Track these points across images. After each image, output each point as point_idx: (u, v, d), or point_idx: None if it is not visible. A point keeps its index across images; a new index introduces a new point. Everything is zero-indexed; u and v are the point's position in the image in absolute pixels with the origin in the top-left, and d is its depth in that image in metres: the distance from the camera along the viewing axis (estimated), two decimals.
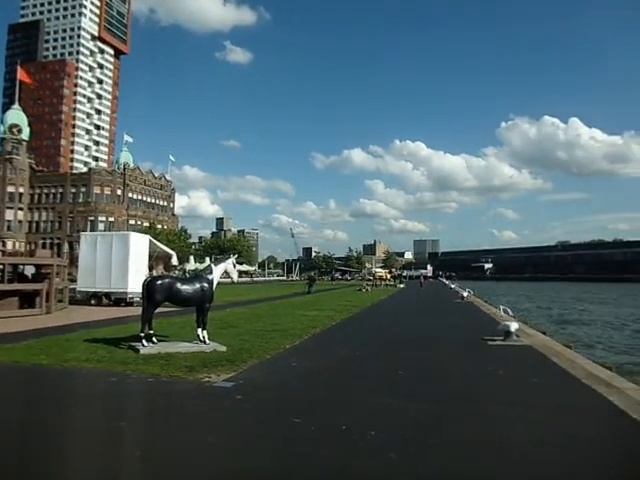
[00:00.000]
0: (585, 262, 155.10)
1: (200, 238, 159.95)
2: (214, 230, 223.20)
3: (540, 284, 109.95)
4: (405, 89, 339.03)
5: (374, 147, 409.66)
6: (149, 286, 10.21)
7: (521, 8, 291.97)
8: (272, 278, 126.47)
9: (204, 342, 10.43)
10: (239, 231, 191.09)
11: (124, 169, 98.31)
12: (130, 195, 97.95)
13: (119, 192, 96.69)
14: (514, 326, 12.29)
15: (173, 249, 32.65)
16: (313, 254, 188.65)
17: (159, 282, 10.34)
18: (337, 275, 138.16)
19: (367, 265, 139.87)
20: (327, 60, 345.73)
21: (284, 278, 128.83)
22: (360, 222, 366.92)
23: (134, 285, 19.54)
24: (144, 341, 9.99)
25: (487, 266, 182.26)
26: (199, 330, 10.58)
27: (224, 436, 5.06)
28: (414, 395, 6.84)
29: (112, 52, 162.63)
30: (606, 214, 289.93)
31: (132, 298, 20.91)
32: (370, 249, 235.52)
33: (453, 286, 51.64)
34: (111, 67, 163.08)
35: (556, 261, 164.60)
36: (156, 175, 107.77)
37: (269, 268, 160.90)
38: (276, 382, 7.66)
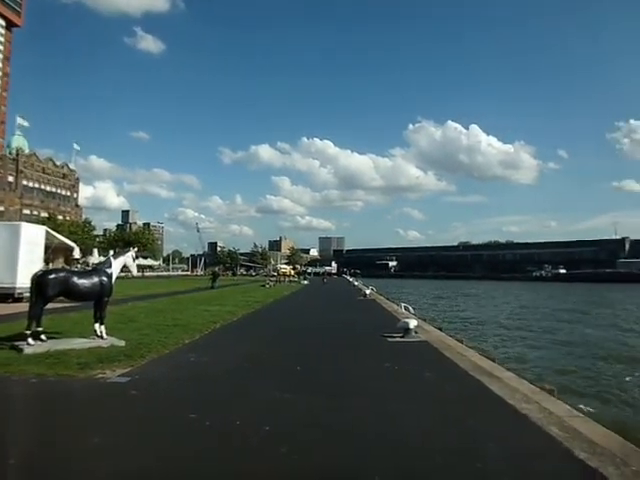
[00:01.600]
0: (483, 262, 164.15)
1: (105, 230, 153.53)
2: (120, 222, 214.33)
3: (442, 282, 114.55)
4: (314, 87, 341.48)
5: (282, 144, 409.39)
6: (39, 280, 9.63)
7: (432, 12, 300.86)
8: (177, 273, 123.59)
9: (101, 337, 10.08)
10: (145, 224, 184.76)
11: (17, 154, 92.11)
12: (25, 183, 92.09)
13: (10, 179, 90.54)
14: (413, 323, 12.66)
15: (75, 241, 31.23)
16: (218, 249, 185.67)
17: (52, 276, 9.78)
18: (242, 271, 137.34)
19: (272, 261, 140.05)
20: (239, 56, 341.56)
21: (189, 273, 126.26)
22: (266, 218, 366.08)
23: (24, 280, 18.24)
24: (30, 339, 9.31)
25: (392, 264, 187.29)
26: (96, 325, 10.21)
27: (112, 436, 4.85)
28: (310, 391, 6.93)
29: (3, 23, 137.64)
30: (501, 217, 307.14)
31: (21, 294, 19.57)
32: (275, 245, 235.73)
33: (356, 283, 52.53)
34: (1, 39, 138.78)
35: (457, 260, 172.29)
36: (58, 164, 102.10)
37: (174, 263, 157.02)
38: (173, 377, 7.55)
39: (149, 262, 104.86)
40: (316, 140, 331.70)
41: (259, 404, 6.14)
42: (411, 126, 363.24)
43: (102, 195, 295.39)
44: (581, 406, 8.69)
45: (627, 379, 15.04)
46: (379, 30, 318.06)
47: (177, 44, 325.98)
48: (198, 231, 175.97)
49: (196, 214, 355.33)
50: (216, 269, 63.19)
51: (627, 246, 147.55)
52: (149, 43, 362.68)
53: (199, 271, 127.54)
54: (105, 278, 10.24)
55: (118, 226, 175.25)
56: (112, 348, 9.49)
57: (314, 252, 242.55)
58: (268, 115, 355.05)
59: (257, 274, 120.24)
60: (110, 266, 10.52)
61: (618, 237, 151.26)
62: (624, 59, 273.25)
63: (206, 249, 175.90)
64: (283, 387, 7.01)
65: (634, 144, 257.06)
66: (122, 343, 9.94)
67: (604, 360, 18.06)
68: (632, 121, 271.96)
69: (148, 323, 13.81)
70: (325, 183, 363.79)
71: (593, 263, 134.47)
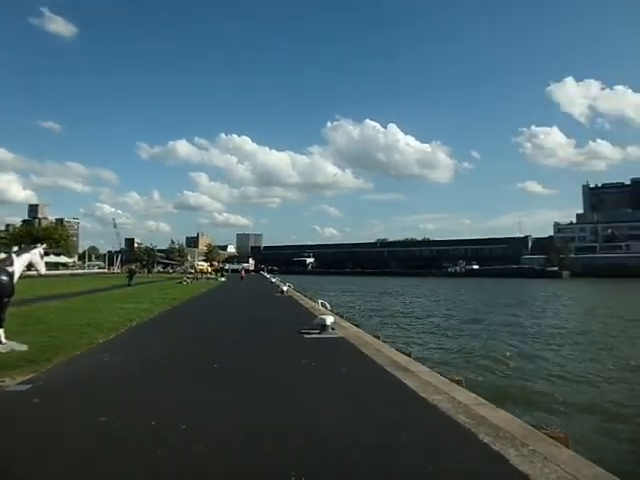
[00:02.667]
0: (399, 258, 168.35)
1: (7, 226, 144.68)
2: (26, 218, 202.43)
3: (359, 278, 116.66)
4: (232, 83, 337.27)
5: (200, 139, 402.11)
6: None
7: (353, 8, 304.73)
8: (93, 270, 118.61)
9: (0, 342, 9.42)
10: (57, 220, 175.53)
11: None
12: None
13: None
14: (330, 319, 12.79)
15: None
16: (135, 246, 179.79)
17: None
18: (159, 268, 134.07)
19: (189, 258, 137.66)
20: (156, 47, 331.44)
21: (105, 270, 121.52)
22: (184, 214, 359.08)
23: None
24: None
25: (309, 261, 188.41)
26: None
27: (6, 454, 4.41)
28: (228, 388, 6.89)
29: None
30: (417, 215, 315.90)
31: None
32: (193, 242, 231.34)
33: (274, 280, 52.54)
34: None
35: (375, 257, 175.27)
36: None
37: (90, 260, 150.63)
38: (83, 379, 7.28)
39: (63, 259, 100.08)
40: (234, 136, 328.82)
41: (175, 403, 6.04)
42: (329, 124, 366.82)
43: (4, 188, 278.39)
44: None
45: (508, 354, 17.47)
46: (298, 27, 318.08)
47: (91, 28, 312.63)
48: (115, 227, 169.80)
49: (113, 210, 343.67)
50: (133, 266, 61.27)
51: (530, 244, 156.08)
52: (59, 26, 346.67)
53: (115, 268, 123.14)
54: (5, 277, 9.50)
55: (24, 221, 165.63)
56: (12, 353, 8.90)
57: (232, 249, 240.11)
58: (186, 110, 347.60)
59: (174, 271, 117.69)
60: (12, 264, 9.80)
61: (522, 235, 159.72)
62: (525, 71, 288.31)
63: (123, 246, 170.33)
64: (200, 385, 6.93)
65: (535, 148, 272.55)
66: (24, 347, 9.38)
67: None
68: (533, 127, 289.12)
69: (58, 324, 13.24)
70: (243, 179, 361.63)
71: (502, 259, 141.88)
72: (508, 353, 18.15)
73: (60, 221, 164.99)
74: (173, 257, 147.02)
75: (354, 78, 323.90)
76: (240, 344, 11.22)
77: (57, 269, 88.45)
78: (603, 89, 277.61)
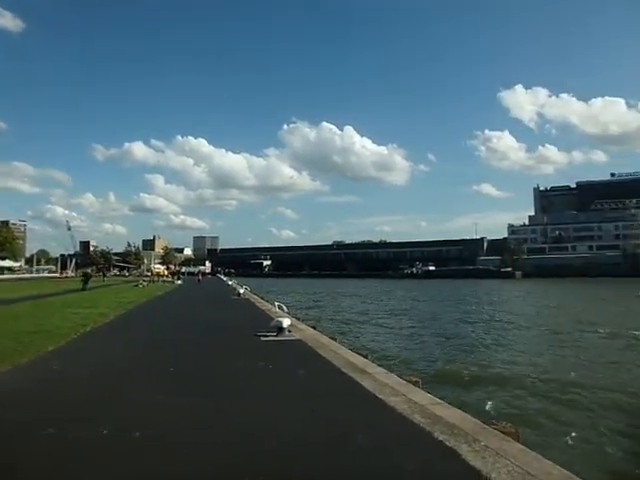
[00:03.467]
0: (356, 260, 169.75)
1: None
2: None
3: (316, 280, 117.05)
4: (187, 85, 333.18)
5: (156, 141, 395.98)
6: None
7: (308, 11, 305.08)
8: (43, 275, 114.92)
9: None
10: (2, 222, 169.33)
11: None
12: None
13: None
14: (286, 322, 12.78)
15: None
16: (91, 249, 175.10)
17: None
18: (115, 271, 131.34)
19: (145, 261, 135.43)
20: (109, 47, 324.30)
21: (57, 274, 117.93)
22: (140, 217, 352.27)
23: None
24: None
25: (266, 263, 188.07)
26: None
27: None
28: (184, 392, 6.81)
29: None
30: (374, 217, 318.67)
31: None
32: (149, 244, 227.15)
33: (230, 283, 52.22)
34: None
35: (331, 259, 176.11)
36: None
37: (40, 263, 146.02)
38: (29, 389, 6.99)
39: (7, 263, 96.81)
40: (190, 138, 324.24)
41: (129, 410, 5.93)
42: (286, 126, 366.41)
43: None
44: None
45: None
46: (254, 28, 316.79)
47: (39, 24, 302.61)
48: (69, 229, 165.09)
49: (67, 212, 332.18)
50: (88, 270, 59.86)
51: (485, 245, 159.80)
52: (7, 20, 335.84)
53: (70, 272, 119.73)
54: None
55: None
56: None
57: (188, 251, 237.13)
58: (142, 112, 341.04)
59: (131, 274, 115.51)
60: None
61: (478, 237, 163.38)
62: (479, 76, 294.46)
63: (78, 249, 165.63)
64: (155, 390, 6.84)
65: (489, 151, 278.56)
66: None
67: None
68: (487, 131, 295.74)
69: (1, 331, 12.59)
70: (199, 182, 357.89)
71: (458, 261, 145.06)
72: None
73: (5, 223, 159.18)
74: (130, 260, 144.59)
75: (310, 80, 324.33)
76: (197, 347, 11.11)
77: (2, 273, 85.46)
78: (550, 96, 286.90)
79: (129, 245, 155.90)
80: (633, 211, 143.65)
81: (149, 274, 70.94)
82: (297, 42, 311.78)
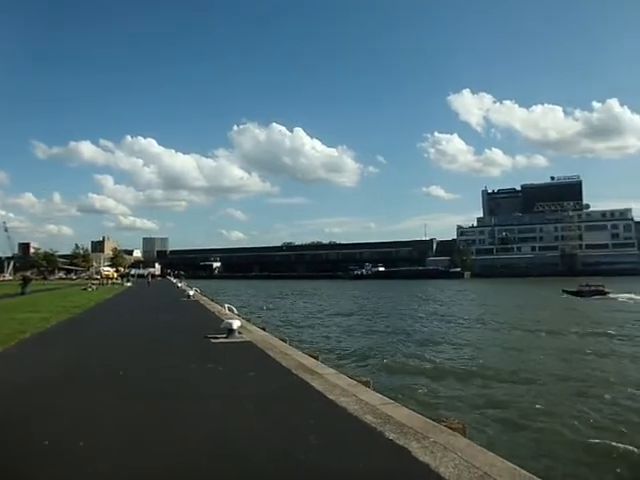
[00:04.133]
0: (306, 261, 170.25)
1: None
2: None
3: (266, 282, 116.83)
4: (136, 84, 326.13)
5: (104, 141, 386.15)
6: None
7: (257, 14, 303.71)
8: None
9: None
10: None
11: None
12: None
13: None
14: (236, 323, 12.70)
15: None
16: (32, 250, 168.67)
17: None
18: (61, 274, 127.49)
19: (94, 263, 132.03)
20: (50, 40, 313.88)
21: None
22: (88, 217, 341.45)
23: None
24: None
25: (216, 265, 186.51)
26: None
27: None
28: (134, 396, 6.67)
29: None
30: (324, 218, 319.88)
31: None
32: (98, 246, 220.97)
33: (180, 285, 51.67)
34: None
35: (281, 260, 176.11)
36: None
37: None
38: None
39: None
40: (140, 138, 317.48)
41: (73, 417, 5.75)
42: (236, 127, 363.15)
43: None
44: None
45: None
46: (204, 29, 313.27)
47: None
48: (6, 231, 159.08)
49: (3, 212, 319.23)
50: (28, 273, 57.76)
51: (435, 246, 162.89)
52: None
53: (7, 275, 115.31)
54: None
55: None
56: None
57: (138, 253, 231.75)
58: (89, 110, 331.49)
59: (79, 277, 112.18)
60: None
61: (427, 238, 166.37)
62: (429, 79, 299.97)
63: (16, 251, 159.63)
64: (103, 394, 6.70)
65: (438, 154, 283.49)
66: None
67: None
68: (436, 133, 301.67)
69: None
70: (149, 182, 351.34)
71: (408, 261, 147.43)
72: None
73: None
74: (77, 262, 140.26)
75: (260, 81, 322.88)
76: (146, 350, 10.94)
77: None
78: (495, 102, 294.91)
79: (77, 247, 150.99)
80: (571, 213, 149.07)
81: (98, 277, 69.08)
82: (247, 42, 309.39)
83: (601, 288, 52.43)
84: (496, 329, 28.99)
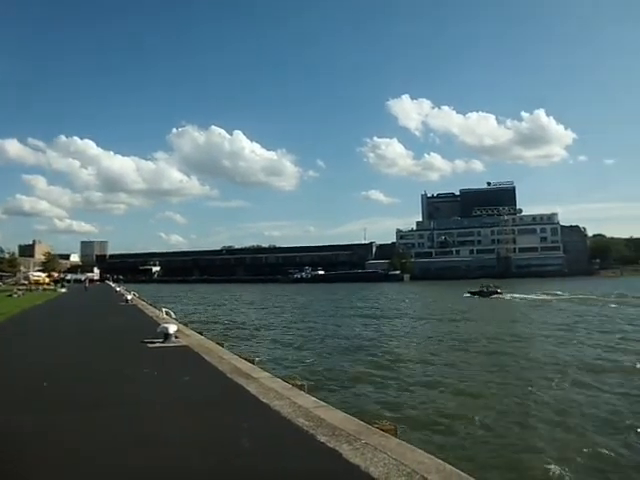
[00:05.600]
0: (246, 265, 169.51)
1: None
2: None
3: (206, 286, 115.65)
4: (71, 83, 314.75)
5: (34, 140, 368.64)
6: None
7: (201, 18, 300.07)
8: None
9: None
10: None
11: None
12: None
13: None
14: (173, 328, 12.58)
15: None
16: None
17: None
18: None
19: (22, 268, 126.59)
20: None
21: None
22: (16, 220, 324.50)
23: None
24: None
25: (155, 269, 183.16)
26: None
27: None
28: (62, 408, 6.43)
29: None
30: (263, 222, 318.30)
31: None
32: (28, 250, 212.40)
33: (119, 289, 50.59)
34: None
35: (221, 264, 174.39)
36: None
37: None
38: None
39: None
40: (76, 139, 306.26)
41: None
42: (175, 130, 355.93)
43: None
44: None
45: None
46: (143, 29, 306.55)
47: None
48: None
49: None
50: None
51: (374, 249, 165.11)
52: None
53: None
54: None
55: None
56: None
57: (75, 257, 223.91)
58: (15, 107, 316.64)
59: (4, 283, 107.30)
60: None
61: (367, 241, 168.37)
62: (369, 84, 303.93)
63: None
64: (25, 408, 6.42)
65: (378, 158, 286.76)
66: None
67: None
68: (376, 138, 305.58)
69: None
70: (87, 184, 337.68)
71: (348, 265, 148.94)
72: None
73: None
74: (2, 267, 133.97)
75: (200, 83, 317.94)
76: (78, 356, 10.66)
77: None
78: (433, 108, 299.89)
79: (2, 251, 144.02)
80: (506, 217, 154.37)
81: (26, 282, 66.35)
82: (186, 44, 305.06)
83: (497, 289, 60.01)
84: (409, 319, 36.05)
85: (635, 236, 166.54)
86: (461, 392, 13.74)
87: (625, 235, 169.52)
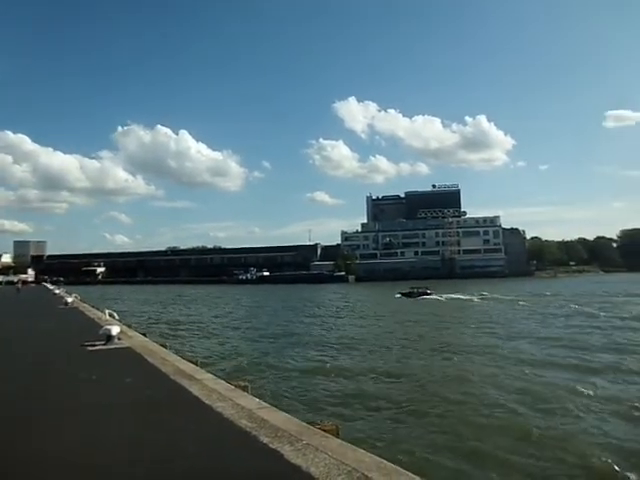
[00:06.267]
0: (191, 266, 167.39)
1: None
2: None
3: (151, 287, 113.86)
4: (11, 79, 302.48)
5: None
6: None
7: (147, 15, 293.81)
8: None
9: None
10: None
11: None
12: None
13: None
14: (115, 329, 12.34)
15: None
16: None
17: None
18: None
19: None
20: None
21: None
22: None
23: None
24: None
25: (99, 270, 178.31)
26: None
27: None
28: None
29: None
30: (208, 222, 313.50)
31: None
32: None
33: (58, 291, 48.92)
34: None
35: (166, 265, 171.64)
36: None
37: None
38: None
39: None
40: (8, 133, 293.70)
41: None
42: (120, 128, 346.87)
43: None
44: None
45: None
46: (88, 26, 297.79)
47: None
48: None
49: None
50: None
51: (319, 251, 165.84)
52: None
53: None
54: None
55: None
56: None
57: (7, 258, 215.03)
58: None
59: None
60: None
61: (312, 243, 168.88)
62: (315, 86, 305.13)
63: None
64: None
65: (324, 160, 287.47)
66: None
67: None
68: (322, 140, 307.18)
69: None
70: (21, 181, 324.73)
71: (293, 266, 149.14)
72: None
73: None
74: None
75: (146, 82, 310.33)
76: (11, 363, 10.34)
77: None
78: (379, 111, 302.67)
79: None
80: (450, 220, 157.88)
81: None
82: (130, 42, 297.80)
83: (426, 290, 63.25)
84: (339, 317, 40.60)
85: (567, 239, 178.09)
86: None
87: (558, 238, 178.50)
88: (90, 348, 11.52)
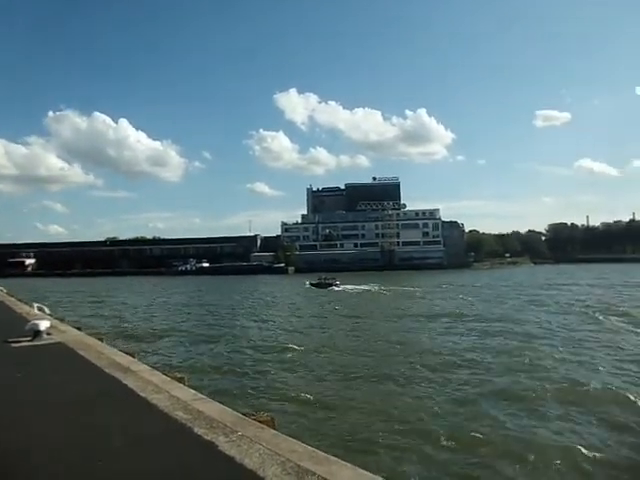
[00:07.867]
0: (130, 257, 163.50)
1: None
2: None
3: (88, 279, 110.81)
4: None
5: None
6: None
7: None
8: None
9: None
10: None
11: None
12: None
13: None
14: (45, 324, 11.77)
15: None
16: None
17: None
18: None
19: None
20: None
21: None
22: None
23: None
24: None
25: (29, 261, 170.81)
26: None
27: None
28: None
29: None
30: (148, 213, 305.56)
31: None
32: None
33: None
34: None
35: (104, 256, 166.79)
36: None
37: None
38: None
39: None
40: None
41: None
42: (51, 113, 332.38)
43: None
44: None
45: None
46: (24, 9, 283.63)
47: None
48: None
49: None
50: None
51: (259, 242, 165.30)
52: None
53: None
54: None
55: None
56: None
57: None
58: None
59: None
60: None
61: (252, 234, 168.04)
62: (256, 77, 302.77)
63: None
64: None
65: (264, 151, 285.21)
66: None
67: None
68: (262, 131, 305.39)
69: None
70: None
71: (233, 257, 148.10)
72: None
73: None
74: None
75: (81, 64, 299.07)
76: None
77: None
78: (320, 102, 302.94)
79: None
80: (390, 212, 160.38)
81: None
82: (68, 24, 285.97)
83: (333, 281, 67.54)
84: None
85: (502, 232, 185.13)
86: None
87: (494, 231, 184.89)
88: (15, 345, 10.92)
